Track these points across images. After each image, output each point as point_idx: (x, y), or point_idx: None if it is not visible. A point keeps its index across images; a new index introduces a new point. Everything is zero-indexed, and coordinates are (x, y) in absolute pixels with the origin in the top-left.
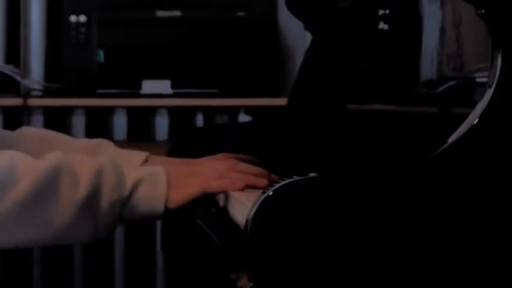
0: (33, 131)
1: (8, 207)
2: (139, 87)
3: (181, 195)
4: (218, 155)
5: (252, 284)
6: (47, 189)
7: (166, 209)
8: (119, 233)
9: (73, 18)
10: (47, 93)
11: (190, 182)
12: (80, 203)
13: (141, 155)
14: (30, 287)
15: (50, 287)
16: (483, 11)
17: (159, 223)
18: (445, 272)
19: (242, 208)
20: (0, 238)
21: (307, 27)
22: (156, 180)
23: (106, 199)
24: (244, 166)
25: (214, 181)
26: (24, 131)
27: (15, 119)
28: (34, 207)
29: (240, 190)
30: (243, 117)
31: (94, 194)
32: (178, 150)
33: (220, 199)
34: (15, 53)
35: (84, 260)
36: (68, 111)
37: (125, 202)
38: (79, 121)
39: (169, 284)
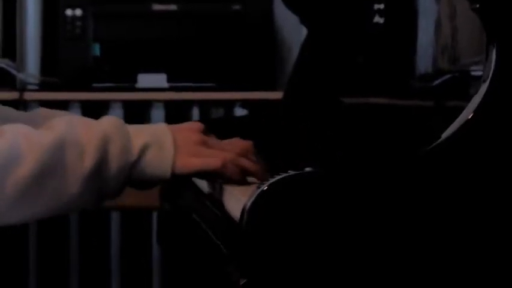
0: (49, 111)
1: (14, 185)
2: (135, 80)
3: (190, 164)
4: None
5: (245, 280)
6: (52, 164)
7: (173, 174)
8: (115, 225)
9: (69, 12)
10: (42, 87)
11: (202, 153)
12: (88, 172)
13: None
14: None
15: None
16: (477, 6)
17: (155, 216)
18: (440, 268)
19: (237, 202)
20: (8, 216)
21: (302, 21)
22: (162, 143)
23: (114, 165)
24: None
25: (231, 165)
26: (40, 111)
27: None
28: (41, 183)
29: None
30: (239, 111)
31: (101, 162)
32: None
33: (215, 191)
34: (11, 46)
35: (79, 256)
36: (64, 105)
37: (132, 166)
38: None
39: (165, 276)
